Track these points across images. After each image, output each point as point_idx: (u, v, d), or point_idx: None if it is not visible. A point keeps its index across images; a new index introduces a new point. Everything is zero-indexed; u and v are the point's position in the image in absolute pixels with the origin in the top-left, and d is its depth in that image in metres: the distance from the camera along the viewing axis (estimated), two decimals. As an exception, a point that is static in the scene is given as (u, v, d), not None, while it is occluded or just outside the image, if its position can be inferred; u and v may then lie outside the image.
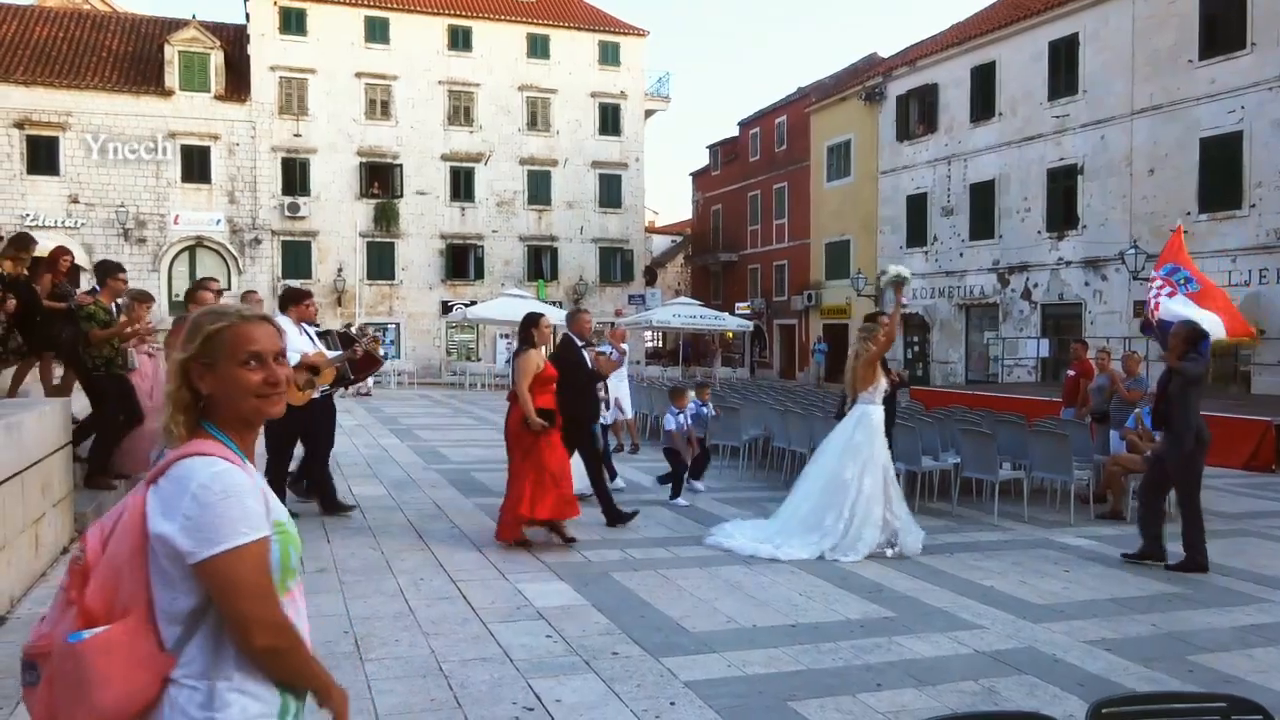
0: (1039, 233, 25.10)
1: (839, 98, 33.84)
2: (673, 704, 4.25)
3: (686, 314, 30.94)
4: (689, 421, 9.82)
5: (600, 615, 5.53)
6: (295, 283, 30.10)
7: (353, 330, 9.61)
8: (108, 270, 8.15)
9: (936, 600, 6.09)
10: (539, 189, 37.39)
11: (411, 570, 6.45)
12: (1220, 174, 20.34)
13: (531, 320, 7.35)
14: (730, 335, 37.26)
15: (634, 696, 4.31)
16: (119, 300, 8.03)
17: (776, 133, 38.94)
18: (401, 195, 35.62)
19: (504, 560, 6.76)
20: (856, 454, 7.20)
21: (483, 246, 36.79)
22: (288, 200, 33.85)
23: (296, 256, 34.25)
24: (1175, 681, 4.73)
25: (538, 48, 37.25)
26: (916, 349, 30.37)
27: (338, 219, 34.68)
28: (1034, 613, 5.88)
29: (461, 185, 36.41)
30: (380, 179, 35.51)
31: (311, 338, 8.04)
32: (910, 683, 4.61)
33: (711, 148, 44.97)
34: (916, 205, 29.64)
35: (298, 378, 7.55)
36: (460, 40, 36.30)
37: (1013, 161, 25.87)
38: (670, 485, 9.53)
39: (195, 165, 32.82)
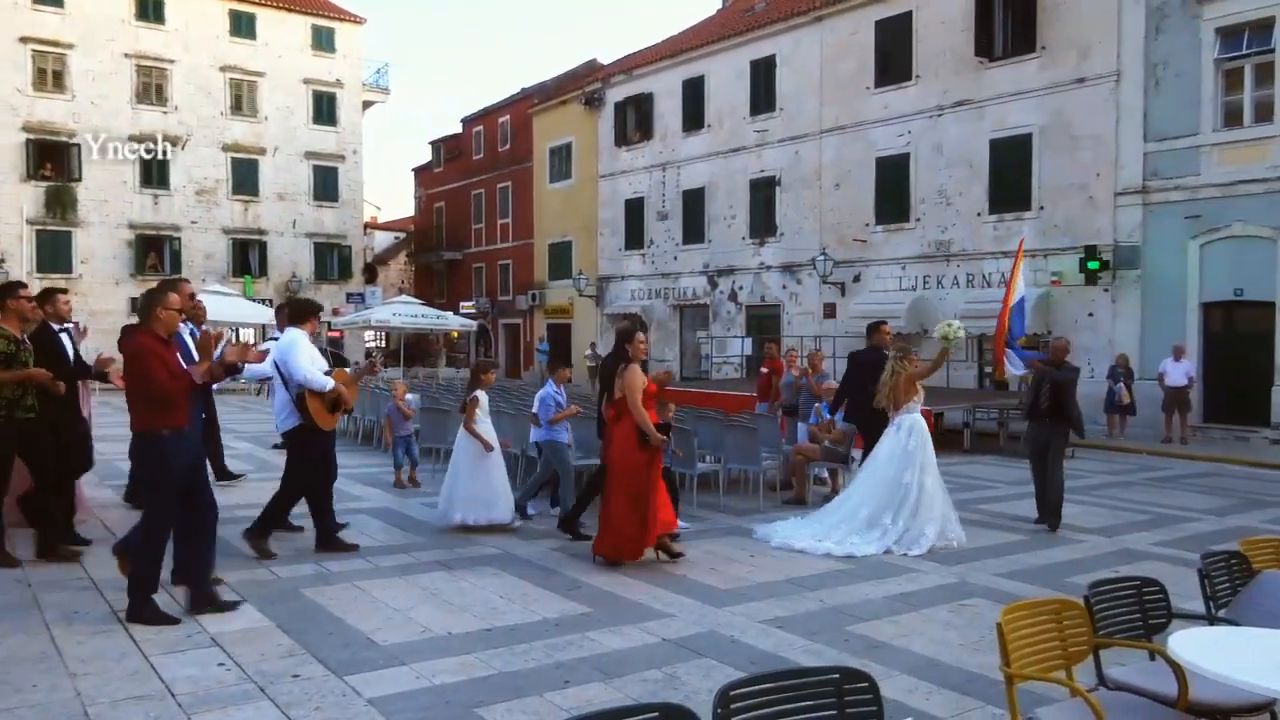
0: (743, 239, 26.91)
1: (560, 101, 34.39)
2: (353, 724, 4.09)
3: (408, 313, 30.12)
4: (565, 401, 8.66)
5: (284, 636, 5.21)
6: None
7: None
8: (7, 291, 6.54)
9: (632, 593, 6.31)
10: (245, 178, 34.91)
11: (64, 603, 5.73)
12: (892, 190, 22.83)
13: (627, 335, 7.19)
14: (455, 335, 36.76)
15: (311, 721, 4.10)
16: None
17: (499, 132, 38.91)
18: (80, 178, 31.87)
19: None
20: (913, 459, 7.98)
21: (179, 238, 33.75)
22: (-69, 179, 29.21)
23: (-57, 245, 29.66)
24: (833, 651, 5.21)
25: (242, 26, 34.73)
26: (635, 347, 31.50)
27: (-3, 203, 30.40)
28: (719, 598, 6.25)
29: (154, 170, 33.16)
30: (53, 159, 31.57)
31: (327, 355, 7.21)
32: (597, 677, 4.73)
33: (434, 143, 44.13)
34: (634, 209, 30.76)
35: (325, 398, 6.78)
36: (150, 10, 33.05)
37: (720, 171, 27.54)
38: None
39: None
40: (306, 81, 36.08)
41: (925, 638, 5.50)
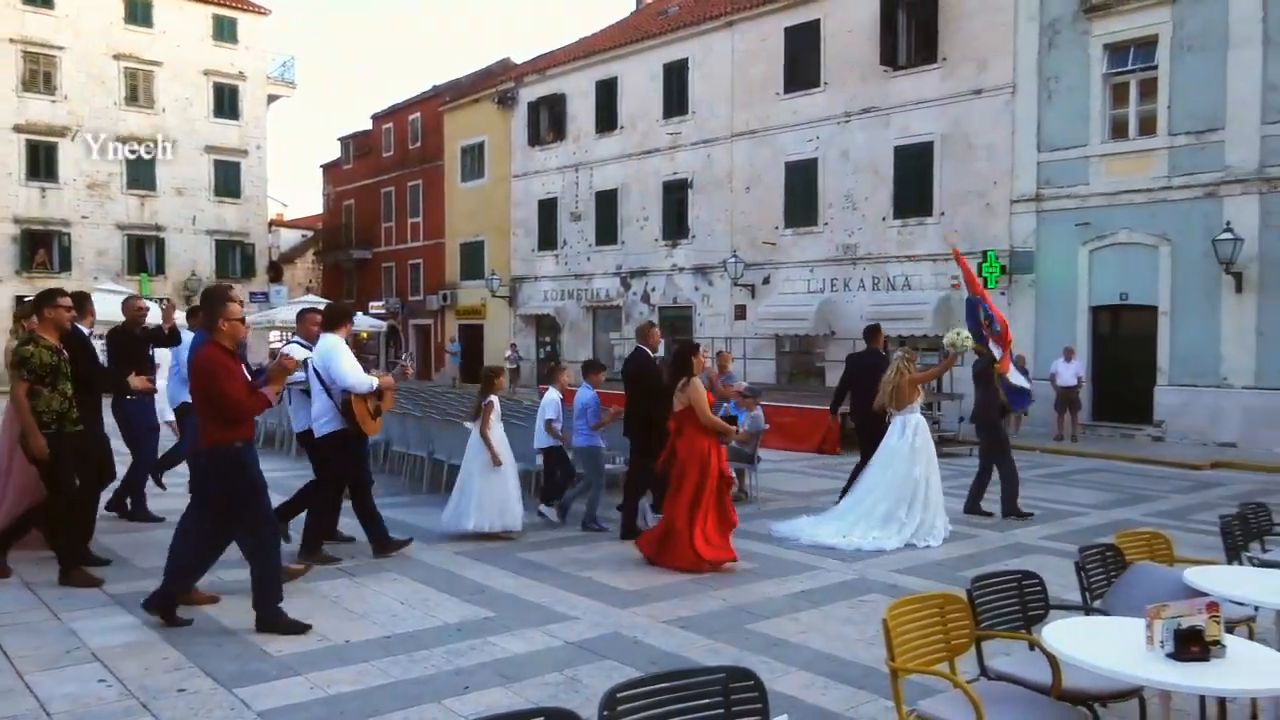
0: (656, 240, 27.05)
1: (472, 99, 34.01)
2: (241, 738, 3.97)
3: (314, 313, 29.30)
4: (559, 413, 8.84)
5: (171, 649, 5.02)
6: None
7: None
8: (45, 299, 6.26)
9: (536, 596, 6.28)
10: (141, 172, 33.54)
11: (-69, 619, 5.42)
12: (801, 194, 23.24)
13: (692, 349, 7.54)
14: (365, 335, 35.99)
15: (197, 736, 3.96)
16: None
17: (410, 129, 38.26)
18: (-41, 170, 30.18)
19: (58, 597, 5.91)
20: (919, 455, 8.44)
21: (69, 234, 32.25)
22: None
23: None
24: (733, 649, 5.27)
25: (137, 14, 33.37)
26: (548, 348, 31.41)
27: None
28: (623, 599, 6.27)
29: (41, 162, 31.62)
30: (-71, 149, 29.80)
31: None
32: (498, 681, 4.69)
33: (343, 140, 43.13)
34: (547, 210, 30.62)
35: (369, 401, 6.93)
36: (37, -6, 31.48)
37: (633, 173, 27.62)
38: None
39: None
40: (207, 73, 34.90)
41: (824, 634, 5.61)
